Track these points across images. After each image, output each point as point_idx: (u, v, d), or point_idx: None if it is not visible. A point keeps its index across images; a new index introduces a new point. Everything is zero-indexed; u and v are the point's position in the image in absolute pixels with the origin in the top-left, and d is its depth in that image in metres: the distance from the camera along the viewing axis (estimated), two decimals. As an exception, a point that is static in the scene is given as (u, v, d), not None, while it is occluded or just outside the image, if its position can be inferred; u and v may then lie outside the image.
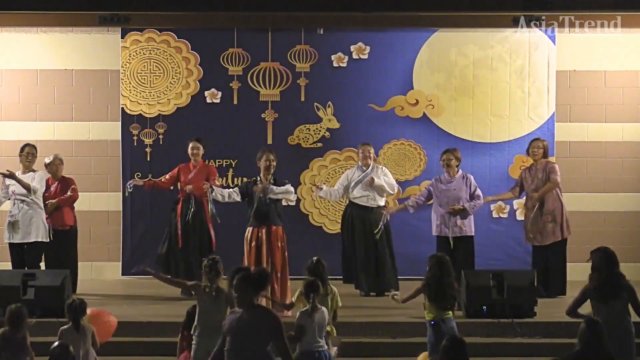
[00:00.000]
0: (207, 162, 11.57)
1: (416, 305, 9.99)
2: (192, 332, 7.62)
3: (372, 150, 11.17)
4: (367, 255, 11.01)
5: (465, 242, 10.73)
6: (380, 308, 10.20)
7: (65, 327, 7.60)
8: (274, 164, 10.10)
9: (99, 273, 12.49)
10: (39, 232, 10.68)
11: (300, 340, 7.45)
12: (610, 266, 7.63)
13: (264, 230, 9.98)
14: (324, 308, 7.60)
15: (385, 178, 11.09)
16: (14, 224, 10.65)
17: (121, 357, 9.02)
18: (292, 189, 10.22)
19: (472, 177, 10.91)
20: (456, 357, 6.11)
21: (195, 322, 7.62)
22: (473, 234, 10.82)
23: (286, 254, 10.06)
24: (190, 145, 11.18)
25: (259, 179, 10.11)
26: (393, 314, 9.80)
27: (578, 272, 11.69)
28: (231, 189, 10.42)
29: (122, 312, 10.25)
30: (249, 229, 10.06)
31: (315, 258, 8.06)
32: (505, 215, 12.39)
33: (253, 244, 9.98)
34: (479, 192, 10.80)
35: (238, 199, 10.23)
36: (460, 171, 10.89)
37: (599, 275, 7.61)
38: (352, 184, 11.10)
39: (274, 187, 10.05)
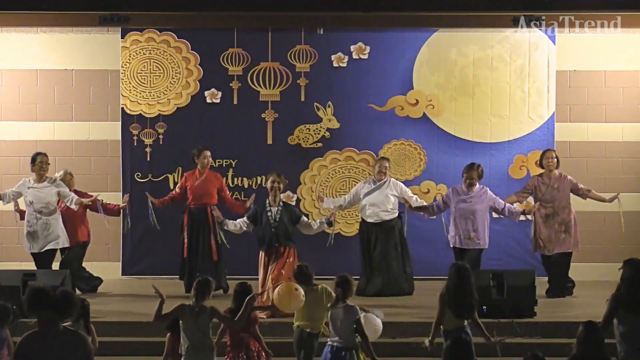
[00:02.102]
0: (210, 167, 11.57)
1: (416, 305, 10.02)
2: (179, 352, 7.63)
3: (388, 166, 11.20)
4: (387, 267, 11.04)
5: (475, 251, 10.73)
6: (380, 307, 10.19)
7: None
8: (280, 185, 10.11)
9: (99, 273, 12.45)
10: (58, 240, 10.68)
11: (330, 335, 7.56)
12: None
13: (274, 254, 10.00)
14: (354, 305, 7.64)
15: (395, 193, 11.11)
16: (33, 234, 10.62)
17: (121, 357, 9.02)
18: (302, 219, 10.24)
19: (489, 190, 10.92)
20: (460, 358, 6.09)
21: (182, 341, 7.62)
22: (485, 247, 10.83)
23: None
24: (203, 154, 11.10)
25: (267, 201, 10.12)
26: (393, 313, 9.80)
27: (580, 273, 11.74)
28: (241, 220, 10.28)
29: (122, 312, 10.27)
30: (261, 253, 10.08)
31: (297, 264, 8.23)
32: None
33: (264, 267, 9.99)
34: (501, 202, 10.89)
35: (246, 228, 10.21)
36: (478, 184, 10.88)
37: (629, 286, 7.47)
38: (362, 196, 11.14)
39: (228, 222, 10.18)
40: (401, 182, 12.25)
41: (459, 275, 7.80)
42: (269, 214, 10.04)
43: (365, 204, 11.15)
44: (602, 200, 11.30)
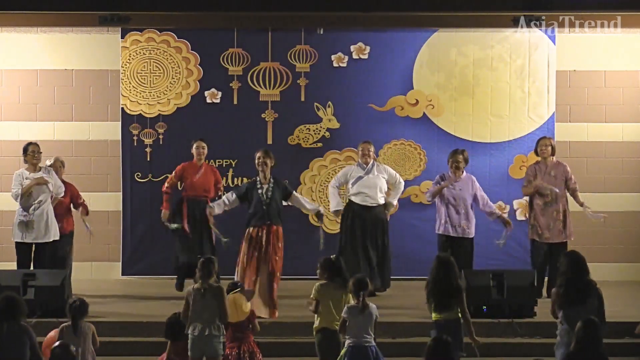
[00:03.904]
0: (208, 163, 11.59)
1: (416, 305, 10.02)
2: (186, 331, 7.69)
3: (371, 149, 11.15)
4: (367, 254, 10.98)
5: (465, 243, 10.74)
6: (380, 308, 10.19)
7: (66, 324, 7.60)
8: (266, 161, 10.03)
9: (99, 273, 12.49)
10: (51, 232, 10.65)
11: (345, 335, 7.60)
12: (579, 272, 7.53)
13: (264, 231, 9.97)
14: (373, 304, 7.72)
15: (385, 176, 11.07)
16: (28, 223, 10.57)
17: (121, 357, 9.03)
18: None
19: (475, 180, 10.92)
20: (440, 357, 6.15)
21: (190, 321, 7.69)
22: (473, 236, 10.85)
23: (282, 253, 10.06)
24: (195, 144, 11.20)
25: (257, 179, 10.11)
26: (393, 314, 9.80)
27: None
28: (225, 196, 10.31)
29: (122, 312, 10.27)
30: (248, 229, 10.03)
31: (333, 256, 8.16)
32: (505, 215, 12.36)
33: (251, 243, 9.96)
34: (484, 196, 10.83)
35: (230, 205, 10.18)
36: (465, 172, 10.90)
37: (566, 280, 7.53)
38: (351, 180, 11.10)
39: (214, 208, 10.19)
40: (401, 182, 12.32)
41: (442, 267, 7.83)
42: (260, 191, 10.01)
43: (356, 188, 11.00)
44: (579, 204, 11.14)
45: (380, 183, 11.04)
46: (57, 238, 10.71)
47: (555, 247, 10.98)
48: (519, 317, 9.77)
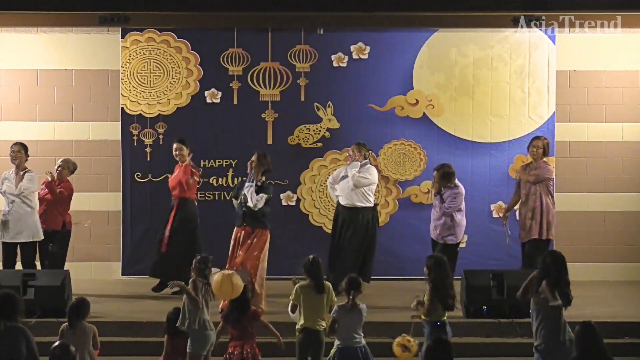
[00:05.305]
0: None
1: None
2: (182, 326, 7.70)
3: (359, 150, 11.18)
4: (349, 254, 11.00)
5: (445, 248, 10.53)
6: (380, 307, 10.20)
7: (66, 324, 7.59)
8: (256, 164, 10.27)
9: (99, 273, 12.49)
10: (29, 232, 10.70)
11: (334, 334, 7.66)
12: (558, 271, 7.59)
13: (243, 231, 10.20)
14: (363, 305, 7.75)
15: (352, 179, 11.07)
16: (5, 223, 10.70)
17: (121, 357, 9.03)
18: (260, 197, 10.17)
19: (458, 192, 10.67)
20: (440, 358, 6.17)
21: (188, 318, 7.70)
22: (453, 242, 10.68)
23: (258, 253, 10.12)
24: (174, 146, 11.20)
25: (247, 180, 10.30)
26: (391, 313, 9.80)
27: (580, 273, 11.74)
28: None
29: (122, 312, 10.28)
30: (235, 229, 10.33)
31: (311, 256, 8.13)
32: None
33: (232, 243, 10.23)
34: (447, 205, 10.62)
35: (234, 200, 10.49)
36: (454, 184, 10.75)
37: (544, 277, 7.56)
38: (339, 179, 11.23)
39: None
40: (401, 182, 12.32)
41: (438, 267, 7.87)
42: (244, 192, 10.20)
43: (338, 188, 11.21)
44: (507, 209, 11.25)
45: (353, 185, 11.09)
46: (39, 239, 10.74)
47: (527, 246, 10.89)
48: (519, 317, 9.76)
